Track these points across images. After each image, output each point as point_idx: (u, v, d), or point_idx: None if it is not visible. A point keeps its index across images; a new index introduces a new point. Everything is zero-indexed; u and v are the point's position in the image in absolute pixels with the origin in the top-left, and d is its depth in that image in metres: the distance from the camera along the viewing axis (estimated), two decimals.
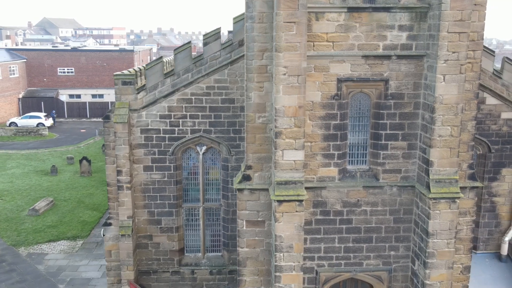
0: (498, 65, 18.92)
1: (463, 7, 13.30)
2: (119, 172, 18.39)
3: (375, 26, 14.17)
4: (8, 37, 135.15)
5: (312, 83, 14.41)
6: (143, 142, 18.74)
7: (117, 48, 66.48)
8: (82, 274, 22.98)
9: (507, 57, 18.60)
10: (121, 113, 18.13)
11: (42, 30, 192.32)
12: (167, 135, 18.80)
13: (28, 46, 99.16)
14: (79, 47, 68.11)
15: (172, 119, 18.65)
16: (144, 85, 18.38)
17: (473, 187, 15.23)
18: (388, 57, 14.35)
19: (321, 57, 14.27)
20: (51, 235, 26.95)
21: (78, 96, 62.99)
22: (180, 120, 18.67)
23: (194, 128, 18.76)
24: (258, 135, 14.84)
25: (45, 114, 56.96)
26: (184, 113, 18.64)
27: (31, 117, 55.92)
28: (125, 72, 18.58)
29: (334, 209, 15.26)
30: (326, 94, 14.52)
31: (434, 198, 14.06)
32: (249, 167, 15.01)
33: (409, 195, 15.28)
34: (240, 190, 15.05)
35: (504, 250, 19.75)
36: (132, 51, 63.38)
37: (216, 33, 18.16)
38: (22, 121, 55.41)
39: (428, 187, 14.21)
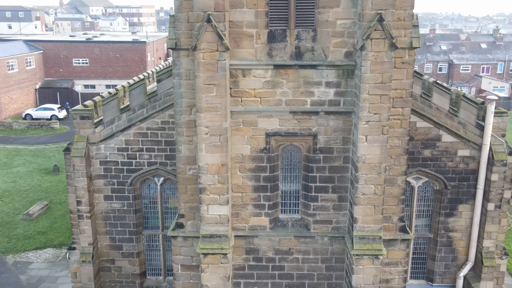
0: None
1: (383, 70, 13.18)
2: (78, 203, 19.20)
3: (302, 82, 14.21)
4: (37, 18, 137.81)
5: (241, 137, 14.65)
6: (102, 173, 19.44)
7: (130, 39, 67.14)
8: (59, 286, 24.17)
9: (463, 95, 18.21)
10: (78, 147, 18.81)
11: (73, 9, 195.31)
12: (125, 167, 19.43)
13: (50, 35, 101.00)
14: (93, 38, 69.14)
15: (130, 152, 19.23)
16: (102, 119, 18.96)
17: (404, 239, 15.29)
18: (316, 112, 14.40)
19: (249, 112, 14.46)
20: (39, 242, 28.29)
21: (93, 86, 64.40)
22: (137, 153, 19.23)
23: (150, 160, 19.31)
24: (189, 186, 15.26)
25: (58, 106, 58.64)
26: (141, 146, 19.19)
27: (45, 109, 57.72)
28: (83, 106, 19.17)
29: (267, 256, 15.64)
30: (255, 147, 14.74)
31: (357, 255, 14.24)
32: (181, 216, 15.49)
33: (340, 244, 15.48)
34: (174, 237, 15.58)
35: (459, 285, 19.70)
36: (144, 42, 64.12)
37: (168, 71, 18.44)
38: (36, 113, 57.27)
39: (352, 243, 14.39)
